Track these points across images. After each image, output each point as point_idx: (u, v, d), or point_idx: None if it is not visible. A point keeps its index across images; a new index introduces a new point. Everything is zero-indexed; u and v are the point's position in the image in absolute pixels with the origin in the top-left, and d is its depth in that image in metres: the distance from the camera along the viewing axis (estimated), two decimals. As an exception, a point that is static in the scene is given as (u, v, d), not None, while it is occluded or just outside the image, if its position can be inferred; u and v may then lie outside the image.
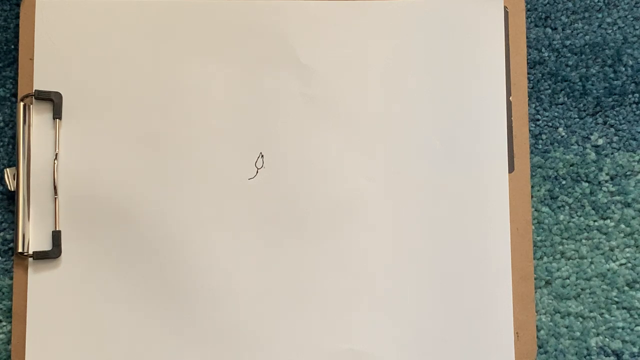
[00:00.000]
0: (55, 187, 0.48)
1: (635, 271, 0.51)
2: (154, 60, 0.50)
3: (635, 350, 0.51)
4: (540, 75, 0.53)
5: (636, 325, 0.51)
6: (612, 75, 0.53)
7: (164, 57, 0.50)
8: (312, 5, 0.51)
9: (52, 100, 0.49)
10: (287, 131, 0.50)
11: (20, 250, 0.48)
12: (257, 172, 0.49)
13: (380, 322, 0.49)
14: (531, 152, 0.52)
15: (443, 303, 0.49)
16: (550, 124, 0.52)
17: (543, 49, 0.53)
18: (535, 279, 0.51)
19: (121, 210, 0.49)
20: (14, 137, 0.50)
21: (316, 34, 0.51)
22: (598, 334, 0.51)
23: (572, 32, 0.53)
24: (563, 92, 0.53)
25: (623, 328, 0.51)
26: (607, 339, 0.51)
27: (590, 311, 0.51)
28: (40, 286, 0.48)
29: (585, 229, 0.52)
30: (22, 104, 0.48)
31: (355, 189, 0.50)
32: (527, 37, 0.53)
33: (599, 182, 0.52)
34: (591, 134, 0.52)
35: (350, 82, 0.50)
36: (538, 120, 0.52)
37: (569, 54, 0.53)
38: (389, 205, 0.50)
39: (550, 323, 0.51)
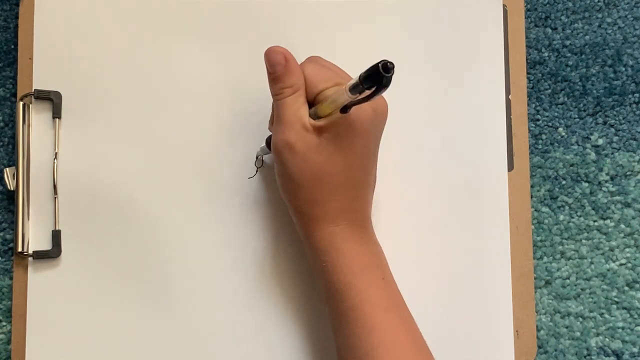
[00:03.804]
0: (55, 187, 0.48)
1: (635, 271, 0.51)
2: (153, 59, 0.50)
3: (635, 350, 0.51)
4: (540, 75, 0.53)
5: (636, 325, 0.51)
6: (612, 75, 0.53)
7: (163, 57, 0.50)
8: (312, 4, 0.51)
9: (52, 100, 0.49)
10: (287, 131, 0.50)
11: (20, 249, 0.48)
12: (256, 171, 0.49)
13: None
14: (531, 152, 0.52)
15: (443, 301, 0.49)
16: (550, 124, 0.52)
17: (543, 49, 0.53)
18: (535, 279, 0.51)
19: (121, 210, 0.49)
20: (14, 137, 0.50)
21: (316, 34, 0.51)
22: (598, 334, 0.51)
23: (572, 32, 0.53)
24: (563, 92, 0.53)
25: (623, 328, 0.51)
26: (607, 339, 0.51)
27: (590, 311, 0.51)
28: (40, 286, 0.48)
29: (585, 229, 0.52)
30: (21, 103, 0.48)
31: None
32: (527, 37, 0.53)
33: (599, 182, 0.52)
34: (591, 134, 0.52)
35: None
36: (538, 120, 0.52)
37: (569, 54, 0.53)
38: (388, 204, 0.50)
39: (550, 323, 0.51)
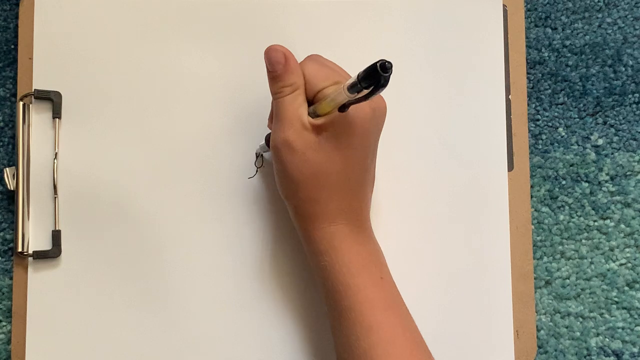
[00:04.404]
0: (55, 187, 0.48)
1: (635, 271, 0.51)
2: (153, 59, 0.50)
3: (635, 350, 0.51)
4: (540, 75, 0.53)
5: (636, 325, 0.51)
6: (612, 75, 0.53)
7: (163, 57, 0.50)
8: (312, 4, 0.51)
9: (52, 100, 0.49)
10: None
11: (20, 250, 0.48)
12: (256, 171, 0.50)
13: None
14: (531, 152, 0.52)
15: (443, 301, 0.49)
16: (550, 124, 0.52)
17: (543, 49, 0.53)
18: (535, 279, 0.51)
19: (121, 210, 0.49)
20: (14, 137, 0.50)
21: (316, 34, 0.51)
22: (598, 334, 0.51)
23: (572, 32, 0.53)
24: (563, 92, 0.53)
25: (623, 328, 0.51)
26: (607, 339, 0.51)
27: (590, 311, 0.51)
28: (40, 286, 0.48)
29: (585, 229, 0.52)
30: (21, 103, 0.48)
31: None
32: (527, 37, 0.53)
33: (599, 182, 0.52)
34: (591, 134, 0.52)
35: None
36: (538, 120, 0.52)
37: (569, 54, 0.53)
38: (388, 204, 0.50)
39: (550, 323, 0.51)
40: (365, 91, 0.36)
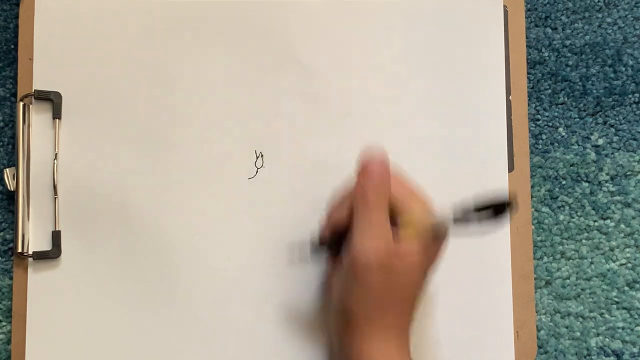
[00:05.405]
0: (55, 187, 0.48)
1: (635, 271, 0.51)
2: (153, 59, 0.50)
3: (635, 350, 0.51)
4: (540, 75, 0.53)
5: (636, 325, 0.51)
6: (612, 75, 0.53)
7: (164, 57, 0.50)
8: (313, 4, 0.51)
9: (52, 100, 0.49)
10: (287, 131, 0.50)
11: (20, 250, 0.48)
12: (257, 171, 0.50)
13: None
14: (531, 152, 0.52)
15: (443, 302, 0.49)
16: (550, 124, 0.52)
17: (543, 49, 0.53)
18: (535, 279, 0.51)
19: (121, 210, 0.49)
20: (14, 137, 0.50)
21: (317, 34, 0.51)
22: (598, 334, 0.51)
23: (572, 32, 0.53)
24: (563, 92, 0.53)
25: (623, 328, 0.51)
26: (607, 339, 0.51)
27: (590, 311, 0.51)
28: (40, 286, 0.48)
29: (585, 229, 0.52)
30: (21, 103, 0.48)
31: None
32: (527, 37, 0.53)
33: (599, 182, 0.52)
34: (591, 134, 0.52)
35: (350, 81, 0.50)
36: (538, 120, 0.52)
37: (569, 54, 0.53)
38: (389, 205, 0.50)
39: (550, 323, 0.51)
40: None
